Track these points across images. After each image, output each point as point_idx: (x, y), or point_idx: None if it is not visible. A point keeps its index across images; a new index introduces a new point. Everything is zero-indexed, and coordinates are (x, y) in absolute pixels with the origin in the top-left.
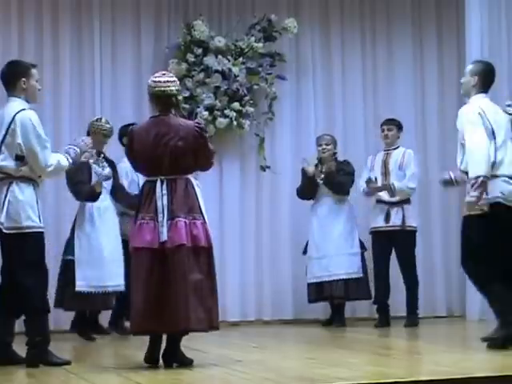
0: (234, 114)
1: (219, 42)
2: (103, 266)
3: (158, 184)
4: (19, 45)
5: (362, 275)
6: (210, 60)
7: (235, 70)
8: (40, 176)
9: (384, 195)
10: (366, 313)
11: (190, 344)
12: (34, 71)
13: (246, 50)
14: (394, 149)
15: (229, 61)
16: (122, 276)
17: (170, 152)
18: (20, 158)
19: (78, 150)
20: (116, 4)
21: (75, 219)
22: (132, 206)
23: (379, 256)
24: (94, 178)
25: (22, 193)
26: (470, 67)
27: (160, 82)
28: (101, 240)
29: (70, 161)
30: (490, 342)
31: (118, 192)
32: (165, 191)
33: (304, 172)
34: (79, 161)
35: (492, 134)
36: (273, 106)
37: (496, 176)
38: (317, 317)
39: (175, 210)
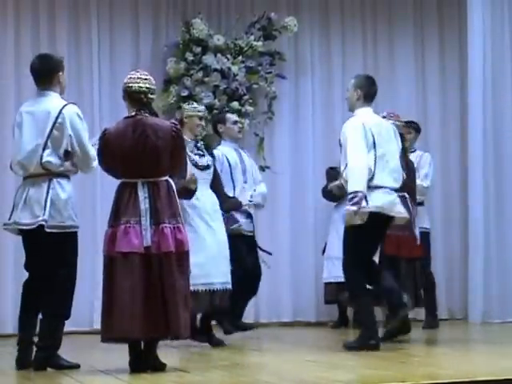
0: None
1: (218, 40)
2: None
3: (140, 186)
4: (15, 43)
5: None
6: (209, 59)
7: (234, 68)
8: (78, 171)
9: None
10: None
11: (189, 346)
12: (65, 63)
13: (246, 49)
14: (412, 152)
15: (228, 59)
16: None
17: (149, 153)
18: (64, 154)
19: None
20: (114, 2)
21: None
22: (227, 207)
23: None
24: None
25: (64, 190)
26: (352, 82)
27: (131, 78)
28: (206, 236)
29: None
30: (349, 346)
31: (215, 184)
32: (146, 194)
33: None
34: None
35: (373, 146)
36: (272, 105)
37: (376, 187)
38: (316, 319)
39: (160, 215)
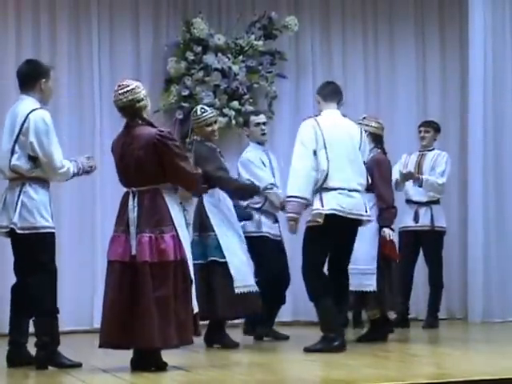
0: (233, 112)
1: (219, 39)
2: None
3: (130, 196)
4: (16, 43)
5: None
6: (209, 58)
7: (235, 68)
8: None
9: (412, 192)
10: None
11: (188, 346)
12: (52, 73)
13: (246, 48)
14: (429, 150)
15: (228, 59)
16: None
17: (134, 163)
18: (33, 159)
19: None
20: (114, 2)
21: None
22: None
23: (406, 255)
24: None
25: (36, 193)
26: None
27: (115, 95)
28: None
29: (75, 170)
30: (307, 348)
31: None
32: (136, 204)
33: None
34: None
35: (324, 146)
36: (273, 104)
37: (330, 188)
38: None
39: (142, 225)
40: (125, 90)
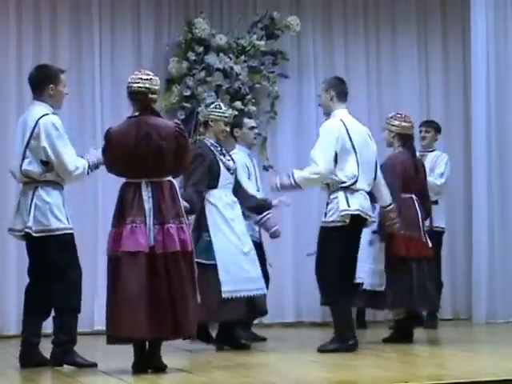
0: (237, 113)
1: (220, 39)
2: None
3: (144, 186)
4: (17, 45)
5: None
6: (211, 58)
7: (237, 68)
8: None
9: None
10: (370, 316)
11: (190, 347)
12: (62, 77)
13: (248, 48)
14: (430, 151)
15: (230, 59)
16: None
17: (153, 153)
18: (45, 164)
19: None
20: (116, 2)
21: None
22: (251, 208)
23: None
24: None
25: (49, 195)
26: (321, 86)
27: (132, 78)
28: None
29: (89, 170)
30: (321, 348)
31: (238, 190)
32: (150, 194)
33: None
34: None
35: (353, 148)
36: (275, 104)
37: (358, 190)
38: (321, 319)
39: (165, 215)
40: (145, 76)
